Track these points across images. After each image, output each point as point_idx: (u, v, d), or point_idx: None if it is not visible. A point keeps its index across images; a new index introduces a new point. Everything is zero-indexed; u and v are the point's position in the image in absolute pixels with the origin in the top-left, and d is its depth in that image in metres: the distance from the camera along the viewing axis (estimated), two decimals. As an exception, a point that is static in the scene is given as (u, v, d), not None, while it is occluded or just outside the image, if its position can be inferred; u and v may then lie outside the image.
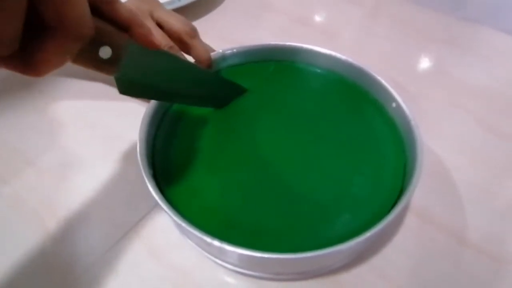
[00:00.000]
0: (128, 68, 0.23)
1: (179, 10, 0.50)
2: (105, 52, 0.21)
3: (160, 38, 0.33)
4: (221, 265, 0.28)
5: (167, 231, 0.30)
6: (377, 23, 0.51)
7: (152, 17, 0.34)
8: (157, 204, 0.25)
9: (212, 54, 0.36)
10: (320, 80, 0.36)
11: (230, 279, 0.28)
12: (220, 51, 0.36)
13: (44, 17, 0.15)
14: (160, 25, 0.34)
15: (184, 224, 0.24)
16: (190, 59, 0.35)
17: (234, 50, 0.37)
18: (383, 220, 0.24)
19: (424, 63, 0.46)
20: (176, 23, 0.34)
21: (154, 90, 0.27)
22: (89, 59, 0.21)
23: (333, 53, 0.36)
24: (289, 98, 0.35)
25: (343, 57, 0.35)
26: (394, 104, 0.32)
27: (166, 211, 0.25)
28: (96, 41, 0.20)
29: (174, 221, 0.25)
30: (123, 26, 0.21)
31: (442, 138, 0.37)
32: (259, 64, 0.38)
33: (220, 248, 0.24)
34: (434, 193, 0.32)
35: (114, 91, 0.25)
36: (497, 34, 0.48)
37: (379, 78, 0.33)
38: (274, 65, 0.37)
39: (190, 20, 0.51)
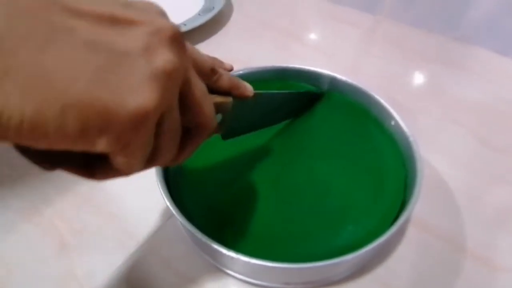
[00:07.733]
0: (230, 122, 0.27)
1: (184, 34, 0.52)
2: (217, 118, 0.24)
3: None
4: (230, 275, 0.29)
5: (179, 242, 0.31)
6: (374, 44, 0.53)
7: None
8: (170, 216, 0.27)
9: None
10: (323, 99, 0.38)
11: (239, 289, 0.29)
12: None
13: (186, 124, 0.20)
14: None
15: (198, 235, 0.25)
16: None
17: (240, 72, 0.39)
18: (386, 232, 0.26)
19: (420, 81, 0.48)
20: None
21: (250, 128, 0.31)
22: None
23: (334, 74, 0.38)
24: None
25: (343, 78, 0.37)
26: (393, 122, 0.34)
27: (181, 223, 0.26)
28: None
29: (188, 231, 0.26)
30: (225, 92, 0.25)
31: (438, 151, 0.38)
32: (265, 83, 0.39)
33: (231, 258, 0.25)
34: (432, 204, 0.34)
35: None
36: (489, 53, 0.51)
37: (378, 97, 0.35)
38: (279, 85, 0.39)
39: (196, 42, 0.54)
